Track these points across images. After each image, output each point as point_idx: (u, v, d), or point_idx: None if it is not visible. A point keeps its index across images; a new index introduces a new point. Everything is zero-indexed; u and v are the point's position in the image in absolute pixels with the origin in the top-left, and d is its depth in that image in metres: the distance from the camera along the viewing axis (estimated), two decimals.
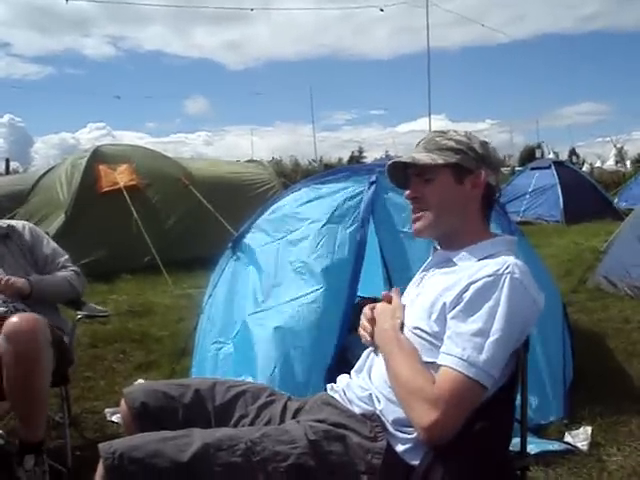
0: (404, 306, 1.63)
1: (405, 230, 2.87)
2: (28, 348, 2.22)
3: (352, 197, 3.02)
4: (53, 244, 2.91)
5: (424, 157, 1.60)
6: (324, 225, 2.96)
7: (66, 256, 2.91)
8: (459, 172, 1.59)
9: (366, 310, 1.70)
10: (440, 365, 1.42)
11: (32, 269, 2.75)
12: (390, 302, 1.67)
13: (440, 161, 1.58)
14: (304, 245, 2.96)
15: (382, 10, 26.20)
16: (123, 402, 1.68)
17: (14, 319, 2.28)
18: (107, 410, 3.20)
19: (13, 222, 2.92)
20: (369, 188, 2.99)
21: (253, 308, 2.94)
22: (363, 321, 1.69)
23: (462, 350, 1.39)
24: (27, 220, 3.27)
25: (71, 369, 2.64)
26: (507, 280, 1.43)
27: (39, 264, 2.81)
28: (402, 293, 1.73)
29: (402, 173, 1.69)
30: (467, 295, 1.44)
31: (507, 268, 1.45)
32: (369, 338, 1.63)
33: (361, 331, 1.68)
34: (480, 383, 1.38)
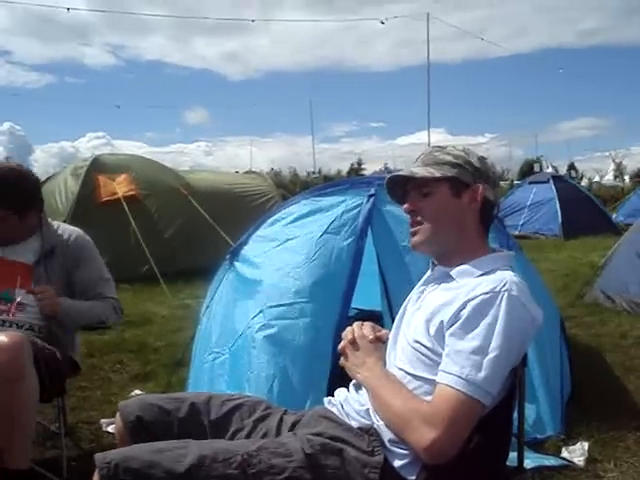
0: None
1: (404, 244, 2.87)
2: (8, 368, 2.14)
3: (350, 209, 3.03)
4: (99, 262, 2.71)
5: (422, 171, 1.61)
6: (321, 236, 2.96)
7: (111, 283, 2.72)
8: (457, 186, 1.61)
9: (347, 333, 1.70)
10: (438, 383, 1.42)
11: (65, 291, 2.56)
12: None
13: (437, 175, 1.60)
14: (300, 254, 2.96)
15: (383, 23, 26.55)
16: (118, 416, 1.67)
17: None
18: (103, 421, 3.18)
19: (62, 231, 2.68)
20: (367, 201, 3.01)
21: (250, 320, 2.93)
22: (344, 342, 1.68)
23: (460, 368, 1.39)
24: None
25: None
26: (504, 297, 1.43)
27: (77, 287, 2.61)
28: (400, 306, 1.73)
29: (401, 188, 1.70)
30: (465, 313, 1.44)
31: (504, 285, 1.45)
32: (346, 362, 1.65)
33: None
34: (479, 401, 1.38)
